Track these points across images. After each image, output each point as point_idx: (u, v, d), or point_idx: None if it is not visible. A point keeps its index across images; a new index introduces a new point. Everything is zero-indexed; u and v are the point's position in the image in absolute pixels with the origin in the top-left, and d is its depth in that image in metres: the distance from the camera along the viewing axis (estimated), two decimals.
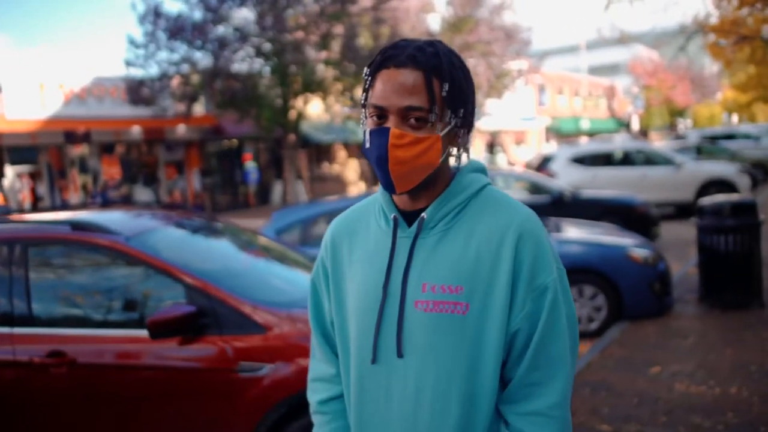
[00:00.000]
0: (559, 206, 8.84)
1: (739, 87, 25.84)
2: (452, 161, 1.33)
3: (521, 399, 1.25)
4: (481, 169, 1.38)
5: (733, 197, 6.25)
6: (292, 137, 18.26)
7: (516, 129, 39.84)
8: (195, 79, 16.96)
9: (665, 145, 19.08)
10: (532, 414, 1.24)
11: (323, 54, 17.59)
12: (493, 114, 28.62)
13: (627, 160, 12.79)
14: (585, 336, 5.62)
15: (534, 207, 6.81)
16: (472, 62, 21.96)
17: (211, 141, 22.31)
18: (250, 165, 23.15)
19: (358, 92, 20.46)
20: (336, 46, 17.56)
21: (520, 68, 24.53)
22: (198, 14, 16.21)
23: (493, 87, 23.75)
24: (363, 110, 1.29)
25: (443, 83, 1.23)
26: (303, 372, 2.87)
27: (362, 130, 1.29)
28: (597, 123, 46.63)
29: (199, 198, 21.10)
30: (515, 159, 35.84)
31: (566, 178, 12.46)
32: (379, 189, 1.38)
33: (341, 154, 26.96)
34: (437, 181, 1.30)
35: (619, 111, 51.20)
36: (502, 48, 22.77)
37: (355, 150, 27.00)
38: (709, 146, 19.37)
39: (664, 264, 5.88)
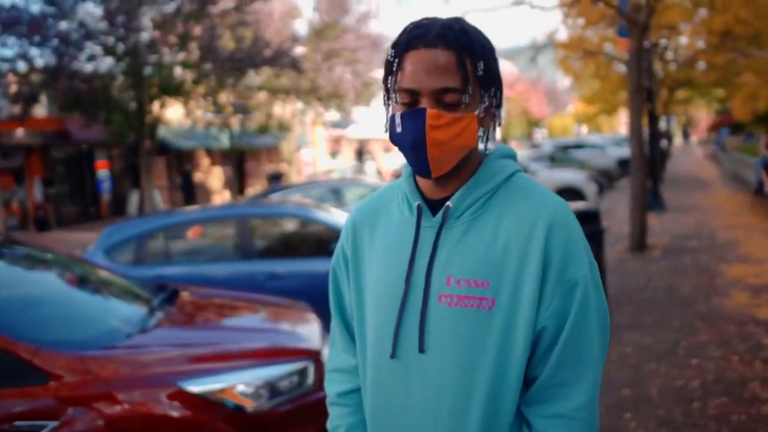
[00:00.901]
0: None
1: (587, 100, 27.69)
2: (480, 146, 1.27)
3: (546, 400, 1.19)
4: (511, 155, 1.31)
5: (578, 205, 6.41)
6: (148, 143, 17.10)
7: (385, 137, 40.34)
8: (35, 77, 15.38)
9: (522, 154, 19.98)
10: (557, 417, 1.17)
11: (181, 55, 16.64)
12: (361, 122, 28.73)
13: None
14: None
15: None
16: (338, 70, 21.88)
17: (57, 146, 20.42)
18: (102, 173, 21.45)
19: (222, 97, 19.69)
20: (195, 47, 16.68)
21: None
22: (36, 7, 14.72)
23: (360, 95, 23.78)
24: (386, 94, 1.22)
25: (476, 62, 1.17)
26: (102, 424, 2.41)
27: (387, 115, 1.23)
28: None
29: (41, 210, 19.17)
30: (384, 167, 36.24)
31: None
32: (403, 175, 1.31)
33: (204, 161, 25.81)
34: (466, 166, 1.24)
35: None
36: (369, 56, 22.87)
37: (219, 157, 25.97)
38: (562, 155, 20.54)
39: None
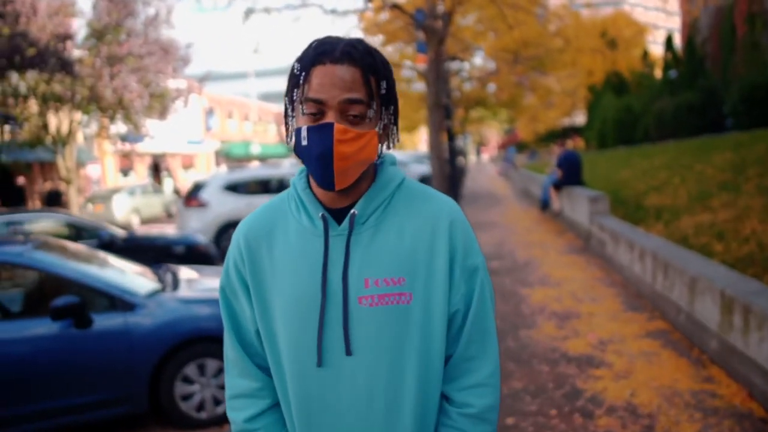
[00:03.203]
0: (109, 250, 7.49)
1: None
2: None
3: (462, 374, 1.30)
4: (396, 163, 1.39)
5: None
6: None
7: (183, 152, 37.72)
8: None
9: None
10: (475, 386, 1.30)
11: None
12: (155, 136, 26.12)
13: (283, 187, 12.05)
14: (210, 425, 4.30)
15: None
16: (122, 77, 19.50)
17: None
18: None
19: None
20: None
21: (178, 87, 22.73)
22: None
23: (150, 106, 21.53)
24: (290, 107, 1.26)
25: (380, 81, 1.26)
26: None
27: (291, 128, 1.28)
28: (267, 148, 47.07)
29: None
30: (183, 184, 33.72)
31: (219, 207, 11.21)
32: (298, 187, 1.34)
33: None
34: (364, 176, 1.30)
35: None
36: (159, 65, 20.75)
37: None
38: None
39: None
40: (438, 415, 1.32)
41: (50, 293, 4.17)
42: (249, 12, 7.87)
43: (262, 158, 44.28)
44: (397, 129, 1.34)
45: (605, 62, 26.93)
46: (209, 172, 37.00)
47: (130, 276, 4.63)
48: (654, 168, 12.86)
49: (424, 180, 23.87)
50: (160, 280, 4.80)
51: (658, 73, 26.75)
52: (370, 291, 1.24)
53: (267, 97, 60.96)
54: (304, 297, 1.26)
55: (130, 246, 7.76)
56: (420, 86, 19.64)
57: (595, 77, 27.89)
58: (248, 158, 43.65)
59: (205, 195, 11.30)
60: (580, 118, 38.20)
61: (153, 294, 4.35)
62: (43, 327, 3.95)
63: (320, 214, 1.28)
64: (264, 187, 11.93)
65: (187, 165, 38.85)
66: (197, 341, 4.26)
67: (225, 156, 42.08)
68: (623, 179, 13.25)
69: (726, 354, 4.26)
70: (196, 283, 5.02)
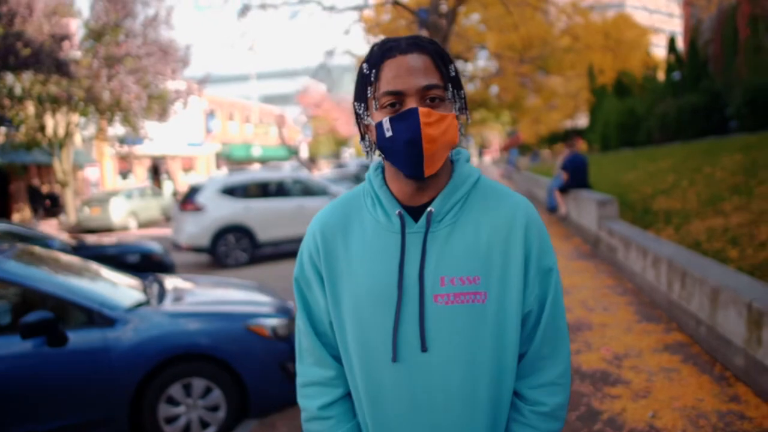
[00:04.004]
0: None
1: None
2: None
3: (534, 372, 1.33)
4: (470, 159, 1.40)
5: None
6: None
7: (183, 155, 37.43)
8: None
9: (327, 174, 18.97)
10: (546, 385, 1.32)
11: None
12: (155, 138, 25.86)
13: (282, 190, 11.75)
14: None
15: None
16: (120, 78, 19.21)
17: None
18: None
19: None
20: None
21: (177, 89, 22.43)
22: None
23: (149, 108, 21.24)
24: (361, 106, 1.28)
25: (448, 65, 1.27)
26: None
27: (363, 128, 1.30)
28: (269, 150, 46.81)
29: None
30: (183, 187, 33.41)
31: (216, 211, 10.90)
32: (375, 183, 1.35)
33: None
34: (443, 170, 1.31)
35: (290, 139, 52.38)
36: (157, 66, 20.44)
37: None
38: None
39: None
40: (510, 411, 1.33)
41: (24, 308, 3.87)
42: (245, 9, 7.59)
43: (264, 160, 44.01)
44: (467, 113, 1.34)
45: (616, 61, 26.51)
46: (210, 174, 36.73)
47: (112, 288, 4.33)
48: (661, 171, 12.54)
49: None
50: (145, 291, 4.49)
51: (660, 75, 26.42)
52: (446, 289, 1.25)
53: (268, 100, 60.75)
54: (379, 293, 1.28)
55: (80, 256, 7.23)
56: None
57: (606, 76, 27.50)
58: (249, 160, 43.37)
59: (201, 199, 10.98)
60: (582, 120, 37.88)
61: (135, 307, 4.04)
62: (13, 345, 3.64)
63: (397, 212, 1.30)
64: (262, 190, 11.62)
65: (188, 167, 38.56)
66: (183, 359, 3.95)
67: (226, 158, 41.81)
68: (629, 182, 12.94)
69: (753, 371, 3.95)
70: (188, 294, 4.71)
